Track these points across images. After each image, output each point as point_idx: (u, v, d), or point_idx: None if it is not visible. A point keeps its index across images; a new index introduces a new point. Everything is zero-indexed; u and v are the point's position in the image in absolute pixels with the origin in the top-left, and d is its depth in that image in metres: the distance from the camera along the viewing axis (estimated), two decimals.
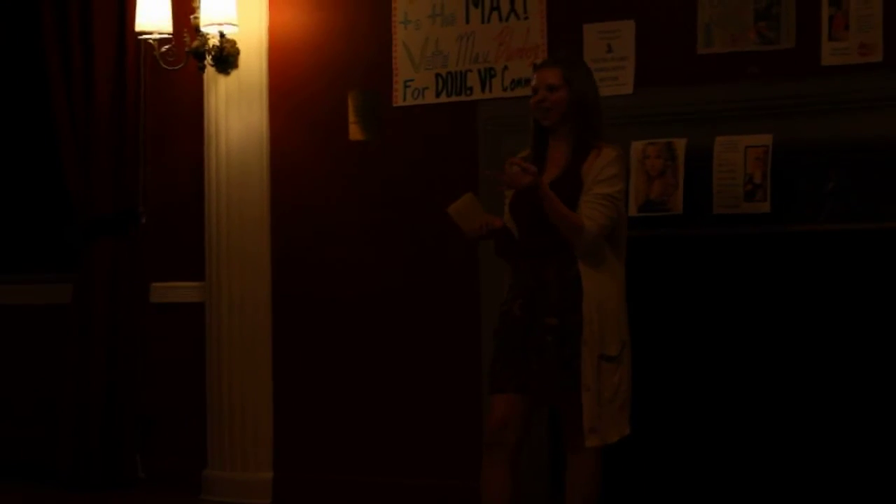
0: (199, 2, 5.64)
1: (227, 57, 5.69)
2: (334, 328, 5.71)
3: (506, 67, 5.30)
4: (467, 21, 5.39)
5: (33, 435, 6.36)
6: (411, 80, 5.51)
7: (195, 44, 5.71)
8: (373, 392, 5.62)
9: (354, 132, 5.65)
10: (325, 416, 5.72)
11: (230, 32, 5.64)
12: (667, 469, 5.14)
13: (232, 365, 5.79)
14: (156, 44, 5.77)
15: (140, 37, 5.78)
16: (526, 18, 5.29)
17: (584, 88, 4.26)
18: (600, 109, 4.29)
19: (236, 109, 5.78)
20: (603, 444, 4.16)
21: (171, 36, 5.77)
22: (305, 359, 5.77)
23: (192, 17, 5.73)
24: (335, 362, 5.70)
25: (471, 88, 5.39)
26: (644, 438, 4.95)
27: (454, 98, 5.43)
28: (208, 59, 5.70)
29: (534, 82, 4.27)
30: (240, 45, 5.72)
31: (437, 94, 5.46)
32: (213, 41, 5.66)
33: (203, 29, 5.63)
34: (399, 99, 5.54)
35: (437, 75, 5.46)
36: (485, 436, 4.26)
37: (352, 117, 5.65)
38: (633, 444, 4.33)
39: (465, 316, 5.33)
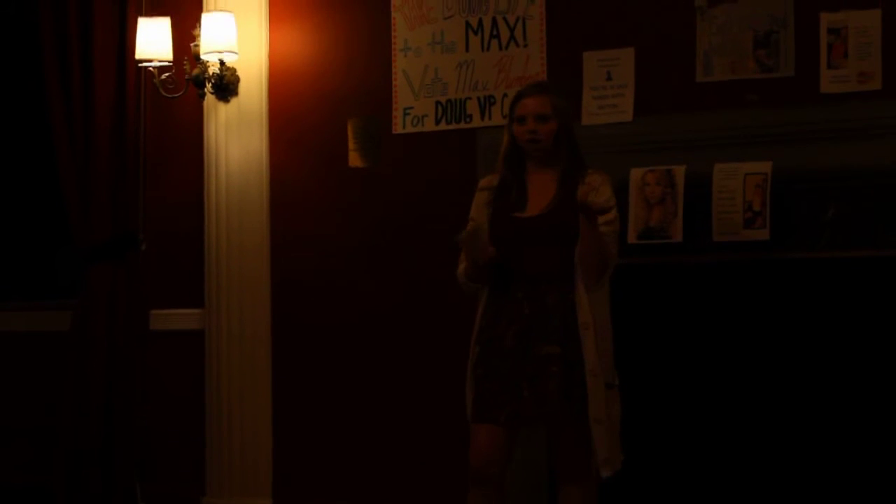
0: (200, 30, 5.66)
1: (227, 84, 5.71)
2: (334, 355, 5.70)
3: (505, 95, 5.29)
4: (467, 49, 5.41)
5: (31, 463, 6.33)
6: (411, 108, 5.52)
7: (195, 71, 5.73)
8: (373, 419, 5.60)
9: (354, 159, 5.66)
10: (325, 443, 5.71)
11: (230, 60, 5.66)
12: (669, 498, 5.13)
13: (231, 392, 5.78)
14: (156, 71, 5.78)
15: (140, 64, 5.79)
16: (525, 46, 5.30)
17: (568, 115, 4.26)
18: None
19: (236, 137, 5.79)
20: (614, 472, 4.14)
21: (171, 63, 5.78)
22: (305, 386, 5.76)
23: (192, 44, 5.76)
24: (335, 389, 5.69)
25: (470, 116, 5.40)
26: (643, 468, 4.95)
27: (454, 126, 5.44)
28: (208, 86, 5.71)
29: (519, 111, 4.22)
30: (240, 73, 5.74)
31: (437, 122, 5.47)
32: (214, 69, 5.67)
33: (203, 57, 5.65)
34: (399, 126, 5.55)
35: (437, 103, 5.47)
36: (469, 470, 4.20)
37: (351, 144, 5.66)
38: (632, 473, 4.31)
39: (465, 343, 5.31)
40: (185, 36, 5.79)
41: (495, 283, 4.26)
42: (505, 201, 4.26)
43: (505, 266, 4.21)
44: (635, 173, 4.91)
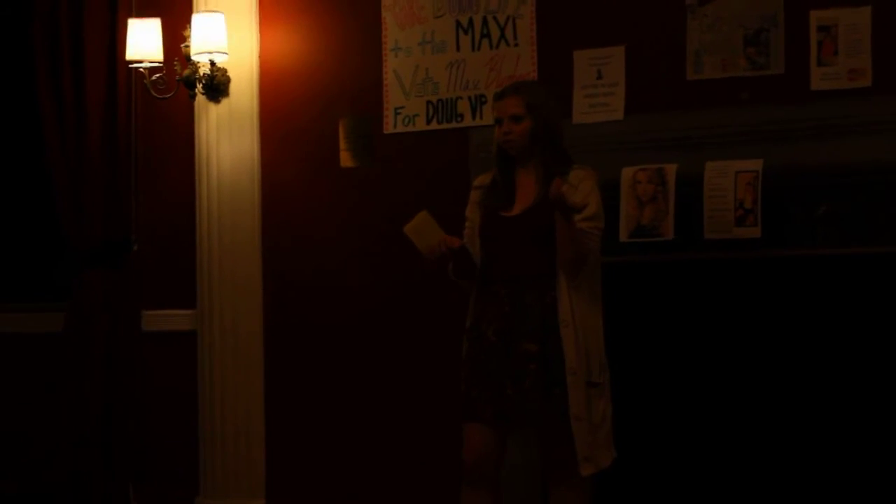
0: (190, 30, 5.66)
1: (217, 85, 5.71)
2: (326, 355, 5.70)
3: None
4: (458, 49, 5.41)
5: (25, 463, 6.33)
6: (402, 108, 5.52)
7: (186, 72, 5.73)
8: (367, 419, 5.61)
9: (345, 159, 5.66)
10: (318, 443, 5.71)
11: (221, 61, 5.65)
12: (664, 496, 5.13)
13: (224, 392, 5.78)
14: (146, 72, 5.77)
15: (131, 65, 5.78)
16: (516, 45, 5.30)
17: (547, 115, 4.24)
18: (562, 133, 4.30)
19: (227, 137, 5.78)
20: (597, 470, 4.15)
21: (161, 64, 5.77)
22: (298, 386, 5.76)
23: (182, 45, 5.75)
24: (328, 389, 5.69)
25: (461, 115, 5.40)
26: (637, 465, 4.96)
27: (445, 125, 5.44)
28: (199, 87, 5.71)
29: (496, 113, 4.26)
30: (230, 74, 5.73)
31: (428, 122, 5.47)
32: (204, 69, 5.67)
33: (194, 57, 5.64)
34: (390, 126, 5.55)
35: (428, 102, 5.47)
36: (463, 468, 4.23)
37: (343, 145, 5.66)
38: (626, 470, 4.31)
39: (459, 342, 5.32)
40: (175, 37, 5.78)
41: (463, 277, 4.31)
42: (494, 200, 4.28)
43: (465, 260, 4.24)
44: (626, 172, 4.91)
